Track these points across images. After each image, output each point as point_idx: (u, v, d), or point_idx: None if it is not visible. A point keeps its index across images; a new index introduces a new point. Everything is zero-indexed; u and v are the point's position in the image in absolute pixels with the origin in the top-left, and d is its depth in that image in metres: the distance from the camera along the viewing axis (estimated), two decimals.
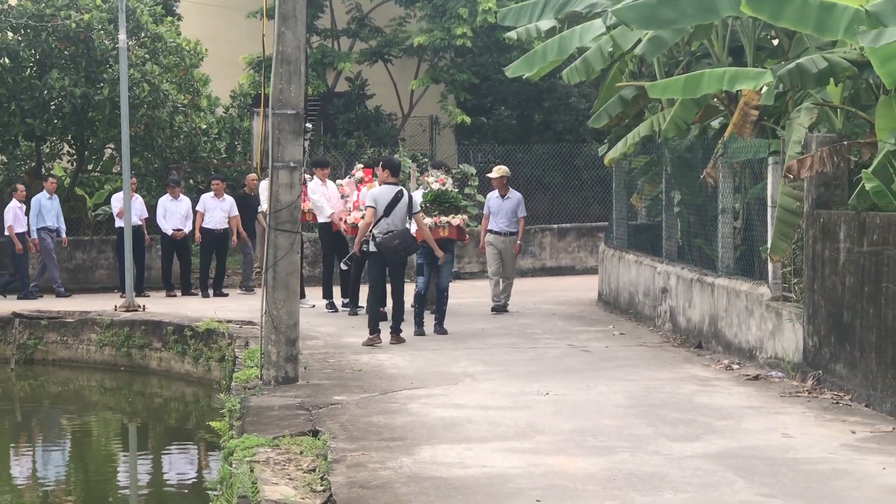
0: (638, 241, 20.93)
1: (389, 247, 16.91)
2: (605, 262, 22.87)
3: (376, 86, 33.83)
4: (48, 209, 25.73)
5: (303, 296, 20.45)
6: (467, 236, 19.93)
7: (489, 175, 21.20)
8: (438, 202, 18.65)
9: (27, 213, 25.72)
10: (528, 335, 18.65)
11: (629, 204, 21.78)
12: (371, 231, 17.00)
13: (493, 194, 21.31)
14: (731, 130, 15.95)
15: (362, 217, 17.81)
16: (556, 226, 29.16)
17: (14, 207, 25.64)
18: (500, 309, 21.21)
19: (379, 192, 17.11)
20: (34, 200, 25.72)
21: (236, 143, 31.18)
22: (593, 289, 23.93)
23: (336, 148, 30.99)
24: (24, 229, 25.60)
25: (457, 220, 18.70)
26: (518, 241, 21.14)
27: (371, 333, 17.29)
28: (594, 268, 26.58)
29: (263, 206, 20.12)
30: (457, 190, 19.14)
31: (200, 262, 25.79)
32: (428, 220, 18.34)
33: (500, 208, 21.13)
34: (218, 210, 25.58)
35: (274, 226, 13.83)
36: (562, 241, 29.18)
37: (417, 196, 18.46)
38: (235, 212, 25.80)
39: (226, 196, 25.71)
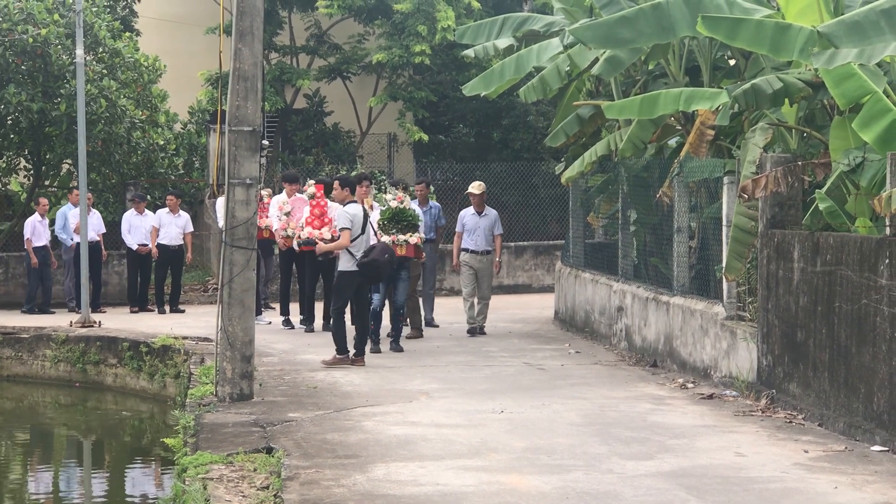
0: (594, 259, 20.84)
1: (381, 262, 16.65)
2: (561, 281, 22.60)
3: (335, 103, 33.62)
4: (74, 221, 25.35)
5: (259, 312, 20.53)
6: (423, 254, 19.78)
7: (469, 191, 20.81)
8: (396, 220, 18.34)
9: (52, 226, 25.52)
10: (484, 353, 18.49)
11: (586, 222, 21.63)
12: (348, 250, 16.79)
13: (468, 211, 20.79)
14: (688, 150, 15.98)
15: (316, 236, 18.26)
16: (513, 244, 28.70)
17: (34, 221, 25.36)
18: (475, 331, 20.73)
19: (352, 211, 16.81)
20: (59, 213, 25.55)
21: (194, 159, 31.04)
22: (550, 307, 23.73)
23: (294, 165, 30.56)
24: (44, 243, 25.34)
25: (414, 238, 18.46)
26: (497, 259, 20.69)
27: (339, 353, 16.96)
28: (551, 286, 26.39)
29: (220, 222, 19.95)
30: (414, 208, 18.84)
31: (156, 277, 25.46)
32: (385, 239, 18.11)
33: (477, 226, 20.60)
34: (173, 226, 25.30)
35: (230, 242, 13.76)
36: (519, 258, 28.90)
37: (374, 215, 18.46)
38: (191, 227, 25.63)
39: (181, 212, 25.46)
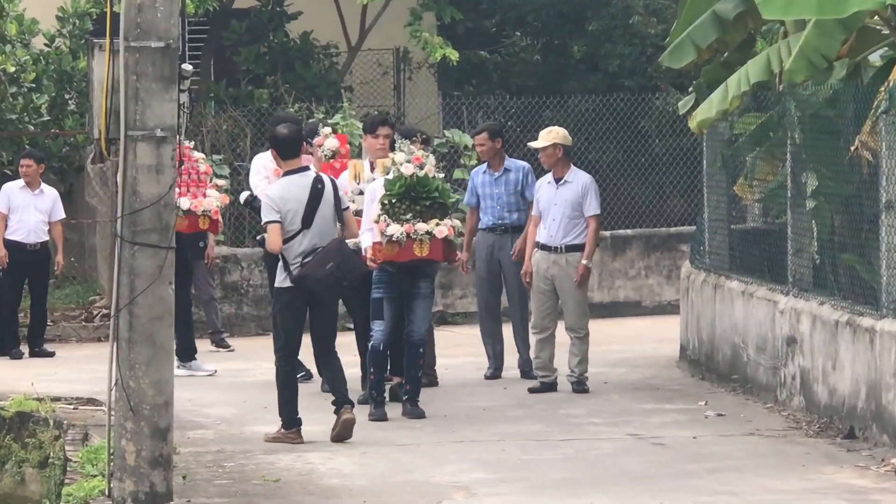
0: (746, 257, 17.71)
1: (320, 277, 14.26)
2: (691, 294, 19.06)
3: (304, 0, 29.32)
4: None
5: (192, 357, 17.93)
6: (459, 254, 16.51)
7: (532, 144, 17.67)
8: (412, 198, 15.31)
9: None
10: (562, 418, 15.74)
11: (732, 195, 18.17)
12: (282, 255, 14.42)
13: (545, 179, 17.45)
14: None
15: None
16: (608, 233, 24.62)
17: None
18: (548, 386, 17.09)
19: (281, 190, 14.58)
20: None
21: (66, 96, 26.55)
22: (671, 339, 19.80)
23: (237, 104, 26.60)
24: None
25: (444, 228, 15.22)
26: (583, 261, 17.12)
27: (286, 427, 14.35)
28: (673, 303, 22.64)
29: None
30: (443, 176, 15.88)
31: (2, 297, 21.60)
32: (395, 229, 15.11)
33: (553, 202, 17.22)
34: (32, 211, 21.05)
35: (129, 238, 11.86)
36: (618, 257, 24.81)
37: (377, 186, 15.59)
38: (61, 213, 21.51)
39: (45, 188, 21.46)
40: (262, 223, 14.67)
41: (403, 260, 15.10)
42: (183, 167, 17.48)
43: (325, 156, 17.09)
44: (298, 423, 14.23)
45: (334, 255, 14.28)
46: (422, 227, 14.76)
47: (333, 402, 14.20)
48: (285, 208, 14.20)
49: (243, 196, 16.75)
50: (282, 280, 14.44)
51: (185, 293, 17.53)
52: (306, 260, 14.22)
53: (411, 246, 14.97)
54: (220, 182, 19.00)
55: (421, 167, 15.07)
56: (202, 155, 19.02)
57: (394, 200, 14.82)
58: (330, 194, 14.51)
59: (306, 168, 14.70)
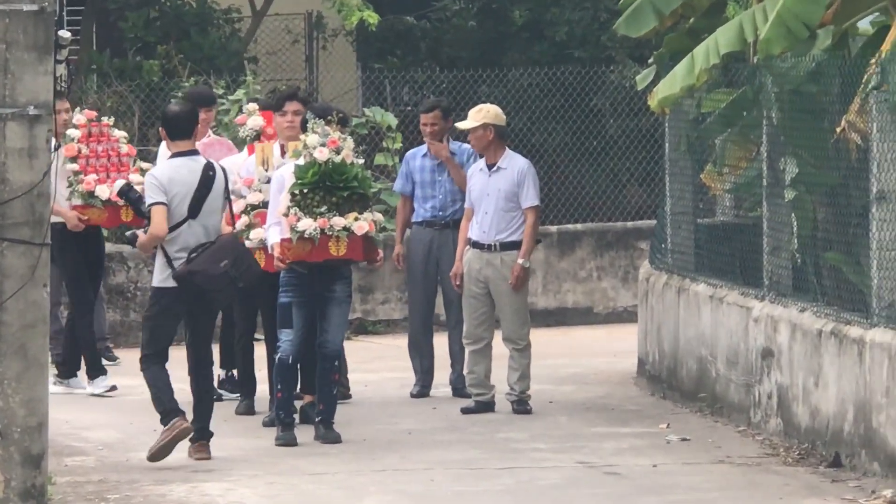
0: (716, 256, 16.84)
1: (213, 275, 13.64)
2: (650, 300, 18.36)
3: None
4: None
5: (100, 372, 16.58)
6: (380, 252, 15.13)
7: (460, 124, 16.70)
8: (327, 188, 14.32)
9: None
10: (501, 443, 14.84)
11: (698, 185, 17.38)
12: (163, 249, 13.73)
13: (477, 166, 16.45)
14: None
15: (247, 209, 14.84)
16: (554, 228, 23.60)
17: None
18: (484, 406, 16.09)
19: (170, 171, 13.98)
20: None
21: None
22: (628, 352, 19.10)
23: (123, 77, 25.41)
24: None
25: (364, 223, 14.22)
26: (519, 261, 16.07)
27: (165, 422, 13.68)
28: (630, 310, 21.52)
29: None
30: (362, 161, 14.82)
31: None
32: (307, 224, 14.13)
33: (485, 192, 16.15)
34: None
35: None
36: (566, 257, 23.33)
37: (286, 172, 14.62)
38: None
39: None
40: (146, 206, 13.75)
41: (317, 260, 13.96)
42: (102, 149, 16.75)
43: (248, 136, 16.00)
44: (179, 412, 13.42)
45: (229, 252, 13.56)
46: (339, 221, 13.96)
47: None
48: (172, 191, 13.45)
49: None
50: (163, 279, 13.68)
51: (85, 298, 16.86)
52: (192, 255, 13.53)
53: (326, 243, 13.93)
54: (146, 165, 17.66)
55: (337, 151, 14.07)
56: (124, 133, 17.85)
57: (305, 190, 14.03)
58: (221, 184, 13.89)
59: (196, 152, 14.02)
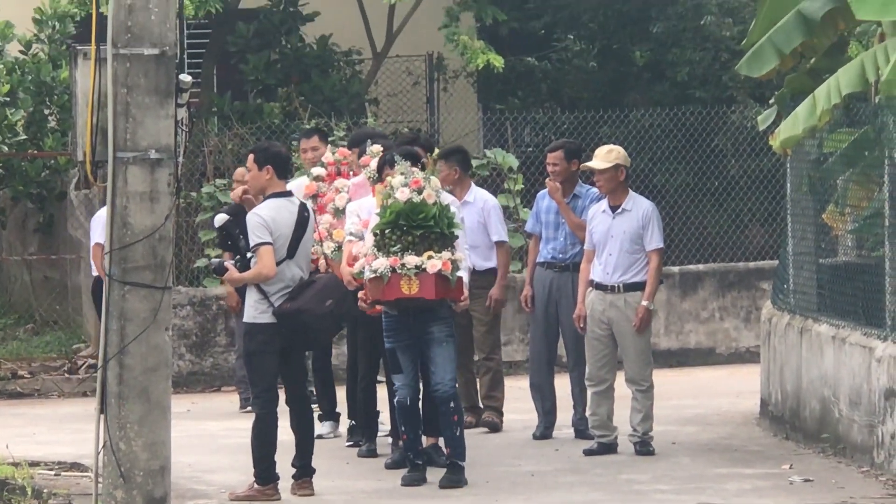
0: (838, 297, 16.80)
1: (318, 314, 13.91)
2: (773, 340, 18.20)
3: None
4: None
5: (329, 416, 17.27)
6: (464, 292, 15.10)
7: (590, 164, 16.47)
8: (402, 227, 14.50)
9: None
10: (623, 485, 14.93)
11: (820, 224, 17.57)
12: (256, 286, 14.05)
13: (599, 207, 16.41)
14: None
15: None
16: (676, 269, 23.74)
17: None
18: (606, 447, 16.06)
19: (273, 212, 14.00)
20: None
21: (46, 112, 25.08)
22: (751, 392, 19.02)
23: (244, 119, 24.93)
24: None
25: (436, 262, 14.25)
26: (644, 302, 16.08)
27: (261, 483, 13.85)
28: (752, 350, 21.68)
29: (97, 237, 16.78)
30: (447, 203, 14.84)
31: None
32: (381, 263, 14.18)
33: (609, 234, 16.18)
34: None
35: (118, 276, 11.80)
36: (689, 296, 23.45)
37: (359, 207, 15.28)
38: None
39: None
40: (252, 245, 14.02)
41: (390, 299, 14.16)
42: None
43: (372, 177, 15.64)
44: (276, 478, 13.68)
45: (334, 292, 13.92)
46: (411, 260, 13.97)
47: (294, 465, 13.67)
48: (276, 232, 13.81)
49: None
50: (258, 314, 13.95)
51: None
52: (288, 292, 13.88)
53: (398, 282, 14.04)
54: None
55: (419, 191, 14.23)
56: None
57: (386, 230, 14.20)
58: (312, 225, 14.38)
59: (290, 193, 14.40)
